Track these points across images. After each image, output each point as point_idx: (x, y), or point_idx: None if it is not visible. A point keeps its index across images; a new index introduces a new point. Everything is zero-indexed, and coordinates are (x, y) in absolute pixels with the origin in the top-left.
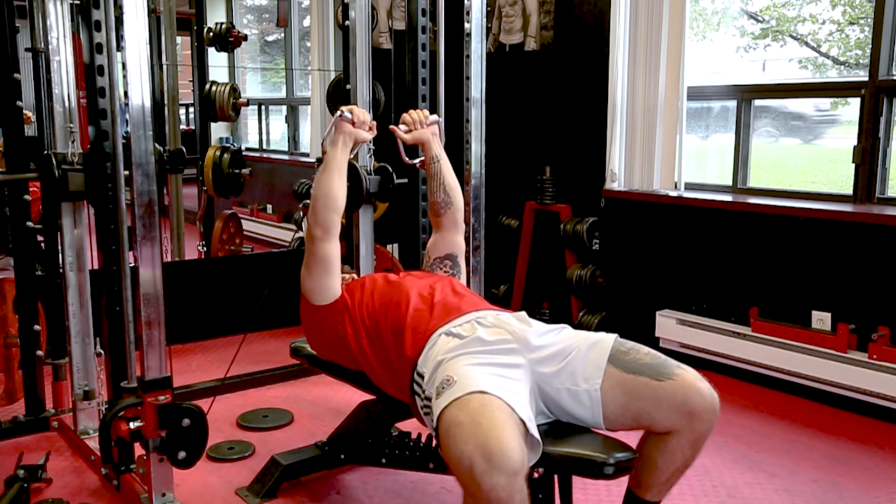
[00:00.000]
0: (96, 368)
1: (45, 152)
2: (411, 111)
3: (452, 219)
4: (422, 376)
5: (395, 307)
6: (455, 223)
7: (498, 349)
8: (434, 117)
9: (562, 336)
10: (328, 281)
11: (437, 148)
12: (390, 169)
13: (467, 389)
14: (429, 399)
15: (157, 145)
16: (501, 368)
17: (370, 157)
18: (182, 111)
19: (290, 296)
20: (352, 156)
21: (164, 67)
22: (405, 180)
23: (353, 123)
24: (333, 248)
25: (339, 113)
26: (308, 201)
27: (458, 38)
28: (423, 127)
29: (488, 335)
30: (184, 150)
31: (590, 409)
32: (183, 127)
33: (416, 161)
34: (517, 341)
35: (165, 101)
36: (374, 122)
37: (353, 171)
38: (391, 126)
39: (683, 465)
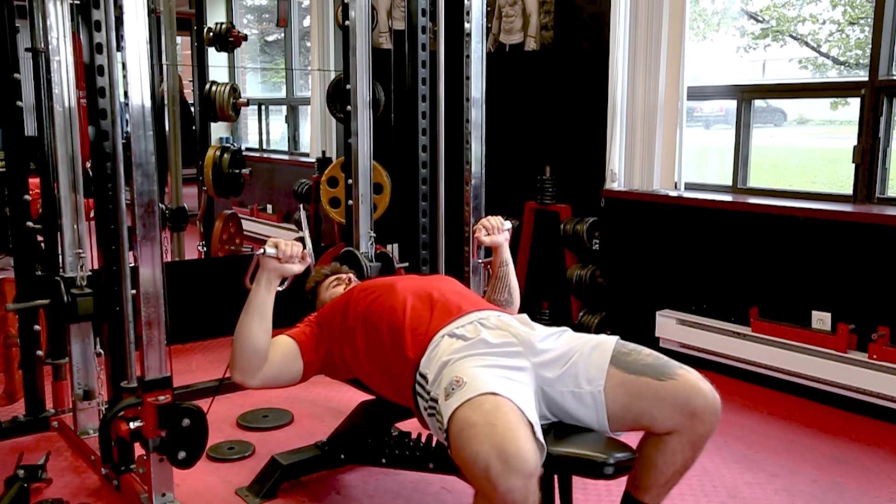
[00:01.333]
0: (96, 368)
1: (55, 278)
2: (490, 217)
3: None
4: (425, 377)
5: (391, 310)
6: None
7: (503, 352)
8: (508, 224)
9: (563, 339)
10: (287, 378)
11: (507, 254)
12: (390, 254)
13: (479, 391)
14: (434, 400)
15: (159, 204)
16: (508, 371)
17: (371, 243)
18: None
19: (290, 295)
20: (283, 287)
21: (164, 67)
22: (406, 264)
23: (278, 259)
24: (264, 373)
25: (260, 251)
26: (304, 208)
27: (458, 38)
28: (499, 233)
29: (493, 337)
30: (186, 207)
31: (594, 411)
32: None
33: (485, 260)
34: (521, 344)
35: (166, 102)
36: (307, 251)
37: (354, 259)
38: (475, 234)
39: (683, 466)
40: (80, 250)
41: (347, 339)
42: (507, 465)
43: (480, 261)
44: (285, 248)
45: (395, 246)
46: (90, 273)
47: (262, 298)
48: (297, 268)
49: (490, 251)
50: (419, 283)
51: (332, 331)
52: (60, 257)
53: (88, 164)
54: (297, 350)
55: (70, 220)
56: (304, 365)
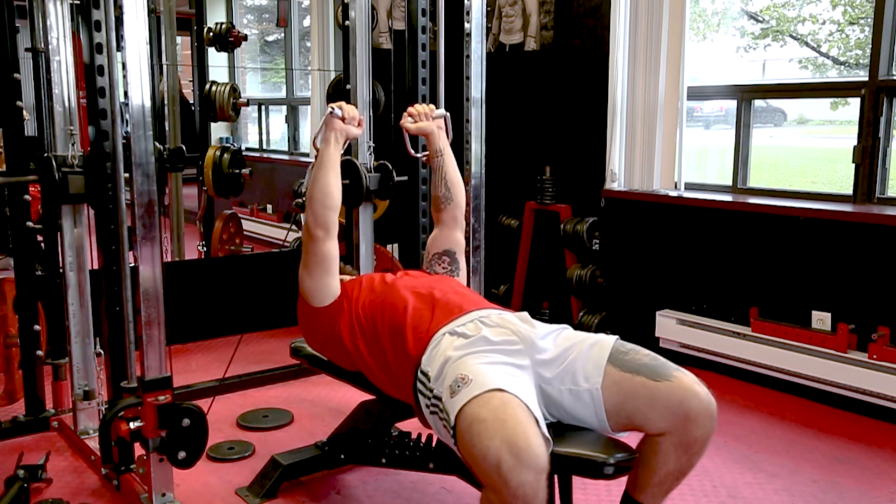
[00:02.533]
0: (96, 368)
1: (45, 155)
2: (417, 104)
3: (452, 214)
4: (426, 375)
5: (392, 308)
6: (454, 219)
7: (504, 350)
8: (441, 111)
9: (563, 337)
10: (328, 280)
11: (442, 142)
12: (390, 166)
13: (486, 387)
14: (437, 398)
15: (156, 143)
16: (510, 368)
17: (370, 154)
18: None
19: (290, 296)
20: (343, 148)
21: (164, 67)
22: (405, 178)
23: (342, 120)
24: (333, 248)
25: (329, 110)
26: (299, 200)
27: (458, 38)
28: (428, 119)
29: (494, 335)
30: (183, 148)
31: (592, 408)
32: None
33: (421, 155)
34: (522, 342)
35: (166, 101)
36: (362, 118)
37: (352, 168)
38: (401, 123)
39: (678, 469)
40: (72, 127)
41: (350, 323)
42: (518, 460)
43: (419, 155)
44: (348, 110)
45: (395, 246)
46: (82, 153)
47: (332, 154)
48: (356, 131)
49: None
50: (421, 282)
51: (350, 302)
52: (51, 128)
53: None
54: (338, 278)
55: (70, 221)
56: (340, 293)
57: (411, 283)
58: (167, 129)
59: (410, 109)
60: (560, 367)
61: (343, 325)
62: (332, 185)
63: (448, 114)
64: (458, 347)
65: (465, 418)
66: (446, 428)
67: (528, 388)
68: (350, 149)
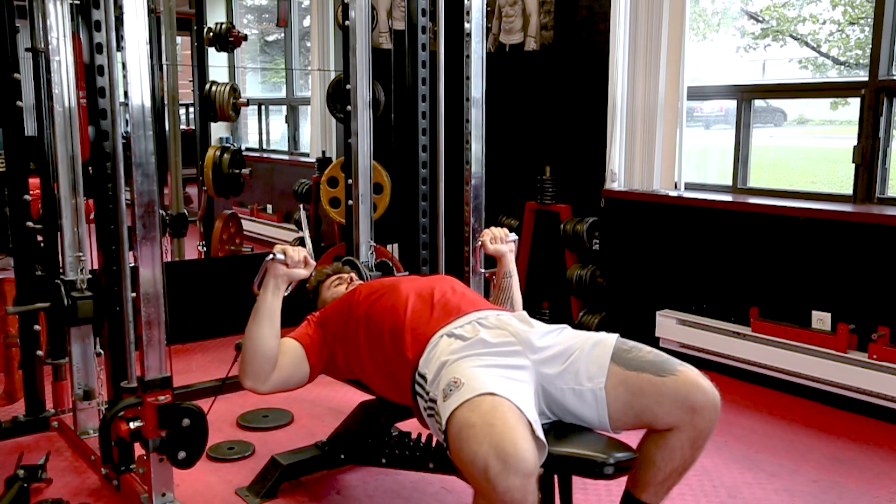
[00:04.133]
0: (96, 368)
1: (55, 281)
2: (493, 228)
3: None
4: (424, 378)
5: (392, 310)
6: None
7: (502, 351)
8: (513, 236)
9: (563, 336)
10: (295, 381)
11: (512, 265)
12: (391, 264)
13: (477, 391)
14: (433, 401)
15: (160, 211)
16: (507, 370)
17: (371, 253)
18: (182, 111)
19: (290, 296)
20: (288, 291)
21: (164, 67)
22: (407, 273)
23: (286, 264)
24: (273, 379)
25: (269, 256)
26: (304, 208)
27: (458, 38)
28: (503, 243)
29: (491, 337)
30: (186, 213)
31: (594, 408)
32: (183, 127)
33: (488, 271)
34: (520, 343)
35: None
36: (310, 258)
37: (353, 267)
38: (481, 241)
39: (682, 465)
40: (80, 253)
41: (350, 339)
42: (505, 465)
43: (484, 271)
44: (293, 254)
45: (395, 246)
46: (90, 276)
47: (271, 303)
48: (304, 272)
49: (494, 262)
50: (421, 284)
51: (334, 330)
52: (60, 258)
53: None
54: (303, 353)
55: (70, 221)
56: (310, 367)
57: (411, 284)
58: (167, 129)
59: (487, 231)
60: (563, 366)
61: (333, 361)
62: (264, 341)
63: (517, 238)
64: (454, 350)
65: (456, 423)
66: (440, 431)
67: (524, 390)
68: (350, 246)
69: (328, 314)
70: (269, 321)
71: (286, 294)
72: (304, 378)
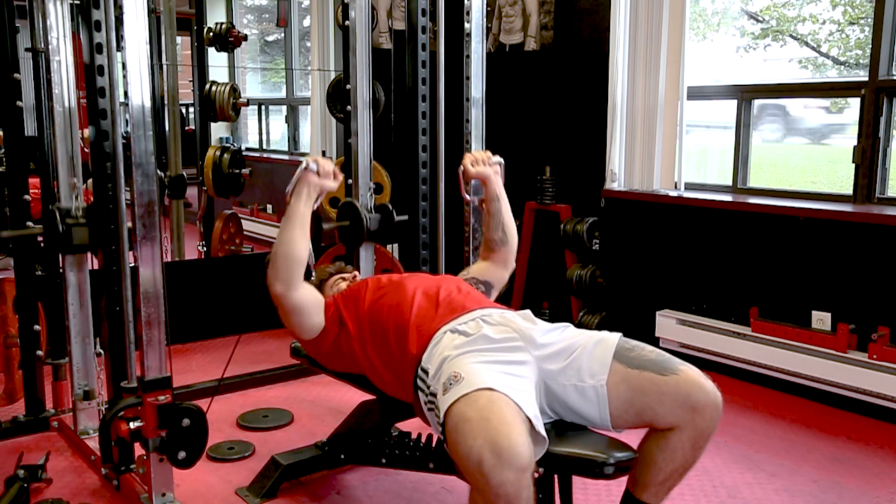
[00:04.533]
0: (96, 368)
1: (50, 207)
2: (475, 151)
3: (504, 257)
4: (426, 372)
5: (398, 308)
6: (506, 262)
7: (504, 347)
8: (497, 158)
9: (566, 334)
10: (309, 321)
11: (499, 187)
12: (390, 207)
13: (475, 386)
14: (433, 395)
15: (158, 172)
16: (508, 366)
17: (370, 195)
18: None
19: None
20: (317, 204)
21: (164, 67)
22: (405, 217)
23: (317, 174)
24: (301, 294)
25: (303, 165)
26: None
27: (458, 38)
28: (486, 165)
29: (494, 333)
30: (185, 175)
31: (596, 405)
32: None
33: (476, 198)
34: (523, 339)
35: (165, 101)
36: (339, 171)
37: (352, 210)
38: (462, 166)
39: (683, 465)
40: (75, 179)
41: (357, 330)
42: (499, 459)
43: (473, 198)
44: (324, 164)
45: (395, 246)
46: (86, 205)
47: (302, 210)
48: (333, 184)
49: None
50: (427, 283)
51: (345, 319)
52: (55, 186)
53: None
54: (322, 306)
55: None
56: (324, 325)
57: (418, 283)
58: (167, 129)
59: (469, 155)
60: (565, 362)
61: (345, 338)
62: (296, 246)
63: (502, 161)
64: (457, 346)
65: (453, 417)
66: (438, 425)
67: (524, 385)
68: (349, 189)
69: (343, 299)
70: (300, 226)
71: (314, 208)
72: (317, 327)
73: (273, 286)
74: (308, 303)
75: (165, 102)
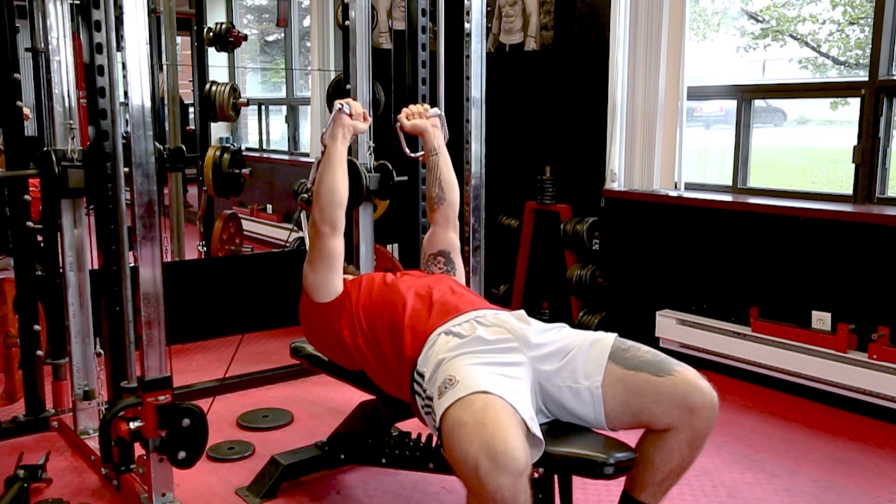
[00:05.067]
0: (96, 368)
1: (45, 149)
2: (412, 105)
3: (444, 214)
4: (422, 376)
5: (392, 308)
6: (447, 219)
7: (499, 348)
8: (435, 111)
9: (561, 334)
10: (331, 277)
11: (437, 141)
12: (390, 166)
13: (470, 389)
14: (430, 399)
15: (156, 143)
16: (503, 367)
17: (370, 154)
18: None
19: (290, 296)
20: (349, 141)
21: (164, 67)
22: (405, 178)
23: (350, 115)
24: (339, 245)
25: (338, 106)
26: (305, 195)
27: (458, 38)
28: (422, 118)
29: (488, 334)
30: (184, 148)
31: (591, 406)
32: None
33: (418, 154)
34: (517, 340)
35: (166, 101)
36: (367, 113)
37: (352, 168)
38: (397, 122)
39: (680, 466)
40: (71, 121)
41: (353, 323)
42: (495, 464)
43: (410, 153)
44: (356, 106)
45: (395, 246)
46: (81, 148)
47: (340, 150)
48: (363, 126)
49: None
50: (421, 282)
51: (351, 301)
52: (50, 121)
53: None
54: (342, 275)
55: (70, 216)
56: (342, 290)
57: (411, 284)
58: (167, 129)
59: (405, 109)
60: (560, 363)
61: (344, 322)
62: (339, 181)
63: (442, 113)
64: (452, 348)
65: (448, 421)
66: (436, 429)
67: (521, 388)
68: (350, 149)
69: (349, 287)
70: (341, 166)
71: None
72: (336, 289)
73: (321, 226)
74: (340, 256)
75: (166, 102)
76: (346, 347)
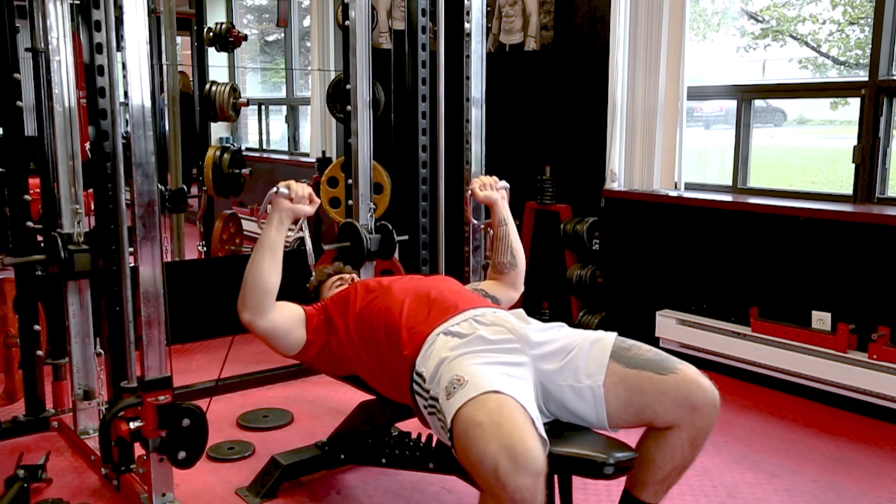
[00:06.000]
0: (96, 368)
1: (51, 233)
2: (482, 175)
3: (513, 280)
4: (421, 376)
5: (388, 310)
6: (514, 284)
7: (502, 348)
8: (503, 183)
9: (561, 333)
10: (286, 341)
11: (505, 211)
12: (390, 226)
13: (481, 389)
14: (434, 399)
15: (158, 185)
16: (507, 367)
17: (371, 215)
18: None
19: (290, 296)
20: (295, 232)
21: (164, 67)
22: (406, 237)
23: (290, 199)
24: (271, 320)
25: (273, 189)
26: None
27: (458, 38)
28: (493, 190)
29: (490, 334)
30: (185, 188)
31: (593, 405)
32: None
33: (483, 223)
34: (519, 340)
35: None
36: (314, 195)
37: (353, 230)
38: (469, 188)
39: (682, 464)
40: (77, 205)
41: (345, 338)
42: (516, 464)
43: (479, 223)
44: (297, 189)
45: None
46: (87, 231)
47: (273, 237)
48: (308, 209)
49: (488, 214)
50: (417, 283)
51: (335, 323)
52: (56, 204)
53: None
54: (303, 319)
55: (70, 221)
56: (306, 338)
57: (408, 285)
58: (167, 129)
59: (477, 180)
60: (562, 362)
61: (333, 344)
62: (264, 274)
63: (508, 185)
64: (453, 347)
65: (462, 422)
66: (444, 429)
67: (526, 388)
68: (350, 209)
69: (330, 306)
70: (270, 253)
71: (291, 234)
72: (297, 344)
73: (240, 314)
74: (281, 326)
75: (166, 102)
76: (349, 362)
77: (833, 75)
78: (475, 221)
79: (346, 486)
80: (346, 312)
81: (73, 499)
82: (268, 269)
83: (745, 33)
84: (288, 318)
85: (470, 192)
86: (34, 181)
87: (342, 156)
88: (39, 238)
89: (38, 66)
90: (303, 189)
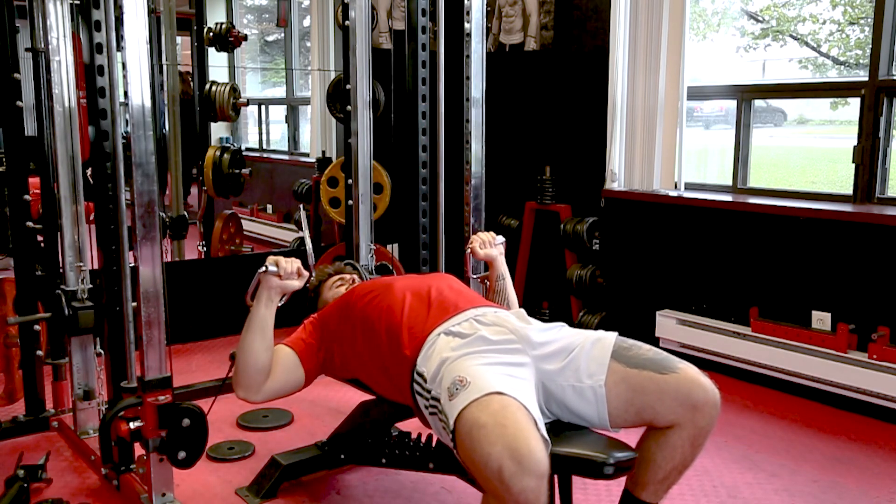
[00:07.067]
0: (96, 368)
1: (56, 291)
2: (480, 233)
3: None
4: (423, 376)
5: (388, 310)
6: None
7: (503, 349)
8: (500, 238)
9: (562, 333)
10: (286, 391)
11: (503, 266)
12: (391, 266)
13: (484, 390)
14: (436, 399)
15: (159, 212)
16: (509, 368)
17: (371, 256)
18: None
19: (291, 297)
20: (282, 302)
21: (164, 67)
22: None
23: (279, 276)
24: (267, 388)
25: (262, 268)
26: (304, 208)
27: (458, 38)
28: (492, 247)
29: (491, 334)
30: (186, 215)
31: (594, 405)
32: None
33: (480, 276)
34: (520, 340)
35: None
36: (302, 268)
37: (354, 270)
38: (468, 247)
39: (682, 463)
40: (81, 263)
41: (347, 340)
42: (520, 466)
43: (477, 276)
44: (286, 266)
45: (395, 246)
46: (90, 286)
47: (263, 315)
48: (297, 284)
49: (487, 266)
50: (417, 282)
51: (330, 332)
52: (61, 261)
53: (89, 172)
54: (297, 359)
55: (70, 221)
56: (305, 372)
57: (408, 283)
58: (167, 129)
59: (475, 237)
60: (563, 362)
61: (335, 353)
62: (255, 353)
63: (504, 240)
64: (455, 348)
65: (465, 423)
66: (445, 430)
67: (528, 389)
68: (351, 249)
69: (325, 316)
70: (261, 333)
71: (280, 305)
72: (300, 383)
73: (237, 392)
74: (278, 387)
75: (166, 102)
76: (348, 368)
77: (833, 75)
78: (473, 276)
79: (346, 486)
80: (347, 316)
81: (73, 499)
82: (258, 348)
83: (745, 33)
84: (281, 374)
85: (469, 250)
86: (34, 181)
87: (342, 156)
88: (40, 238)
89: (38, 66)
90: (291, 265)
